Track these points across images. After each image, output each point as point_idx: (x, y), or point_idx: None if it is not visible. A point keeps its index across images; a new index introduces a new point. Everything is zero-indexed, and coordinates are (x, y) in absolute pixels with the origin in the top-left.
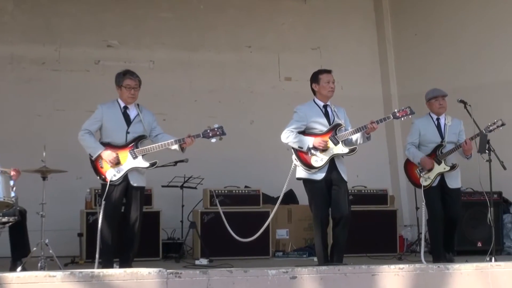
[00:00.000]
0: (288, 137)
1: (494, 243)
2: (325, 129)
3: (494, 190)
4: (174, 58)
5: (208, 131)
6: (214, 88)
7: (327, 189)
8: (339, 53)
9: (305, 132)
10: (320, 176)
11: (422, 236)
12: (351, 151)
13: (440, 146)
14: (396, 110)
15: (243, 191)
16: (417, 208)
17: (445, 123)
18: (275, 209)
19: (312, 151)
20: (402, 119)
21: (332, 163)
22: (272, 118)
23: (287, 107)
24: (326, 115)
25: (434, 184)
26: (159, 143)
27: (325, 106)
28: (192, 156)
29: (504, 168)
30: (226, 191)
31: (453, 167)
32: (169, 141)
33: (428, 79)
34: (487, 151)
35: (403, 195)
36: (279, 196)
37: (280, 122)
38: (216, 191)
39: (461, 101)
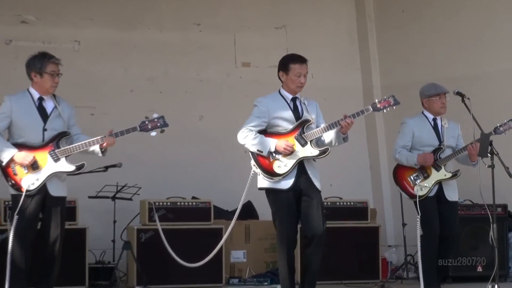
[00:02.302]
0: (246, 137)
1: (498, 268)
2: (291, 126)
3: (497, 202)
4: (105, 37)
5: (147, 122)
6: (155, 76)
7: (296, 201)
8: (309, 33)
9: (267, 131)
10: (286, 184)
11: (419, 259)
12: (322, 153)
13: (438, 149)
14: (376, 101)
15: (190, 204)
16: (404, 225)
17: (441, 125)
18: (232, 226)
19: (275, 155)
20: (384, 111)
21: (301, 168)
22: (226, 113)
23: (245, 99)
24: (295, 109)
25: (431, 194)
26: (80, 143)
27: (293, 99)
28: (126, 159)
29: (510, 175)
30: (168, 203)
31: (455, 175)
32: (89, 140)
33: (417, 66)
34: (489, 154)
35: (387, 208)
36: (234, 210)
37: (236, 118)
38: (157, 203)
39: (458, 93)
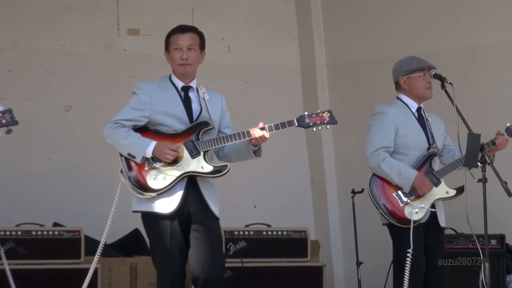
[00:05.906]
0: (115, 135)
1: None
2: (182, 127)
3: (491, 232)
4: None
5: None
6: (0, 48)
7: (183, 230)
8: None
9: (149, 128)
10: (169, 207)
11: None
12: (218, 171)
13: (433, 155)
14: (306, 113)
15: (51, 233)
16: (358, 264)
17: (426, 117)
18: (93, 267)
19: (152, 162)
20: (314, 129)
21: (191, 184)
22: (104, 101)
23: (132, 82)
24: (186, 103)
25: (424, 220)
26: None
27: (185, 89)
28: None
29: (509, 193)
30: (19, 233)
31: (461, 191)
32: None
33: (378, 37)
34: (479, 164)
35: (335, 240)
36: (116, 242)
37: (119, 109)
38: (2, 233)
39: (436, 76)
